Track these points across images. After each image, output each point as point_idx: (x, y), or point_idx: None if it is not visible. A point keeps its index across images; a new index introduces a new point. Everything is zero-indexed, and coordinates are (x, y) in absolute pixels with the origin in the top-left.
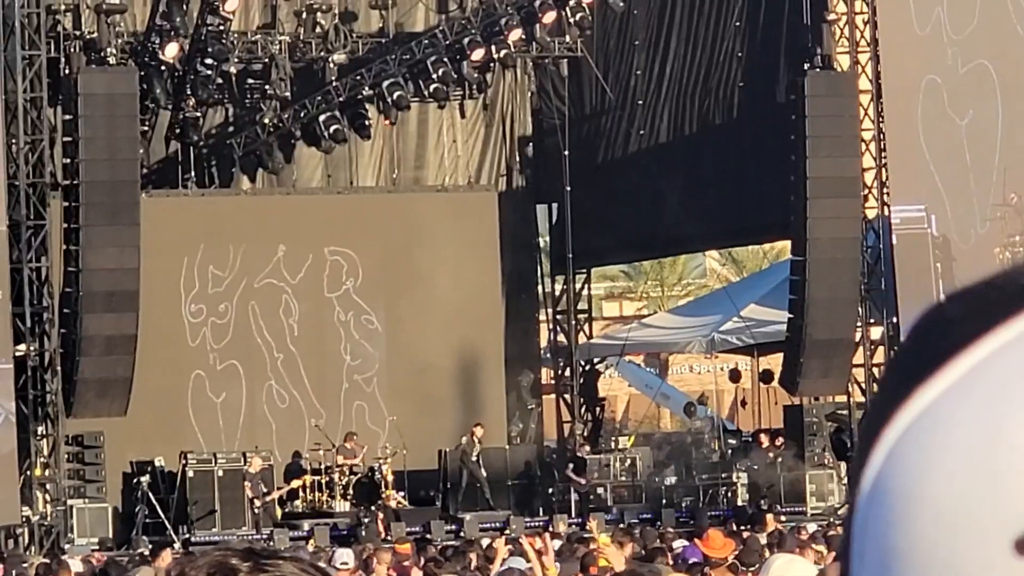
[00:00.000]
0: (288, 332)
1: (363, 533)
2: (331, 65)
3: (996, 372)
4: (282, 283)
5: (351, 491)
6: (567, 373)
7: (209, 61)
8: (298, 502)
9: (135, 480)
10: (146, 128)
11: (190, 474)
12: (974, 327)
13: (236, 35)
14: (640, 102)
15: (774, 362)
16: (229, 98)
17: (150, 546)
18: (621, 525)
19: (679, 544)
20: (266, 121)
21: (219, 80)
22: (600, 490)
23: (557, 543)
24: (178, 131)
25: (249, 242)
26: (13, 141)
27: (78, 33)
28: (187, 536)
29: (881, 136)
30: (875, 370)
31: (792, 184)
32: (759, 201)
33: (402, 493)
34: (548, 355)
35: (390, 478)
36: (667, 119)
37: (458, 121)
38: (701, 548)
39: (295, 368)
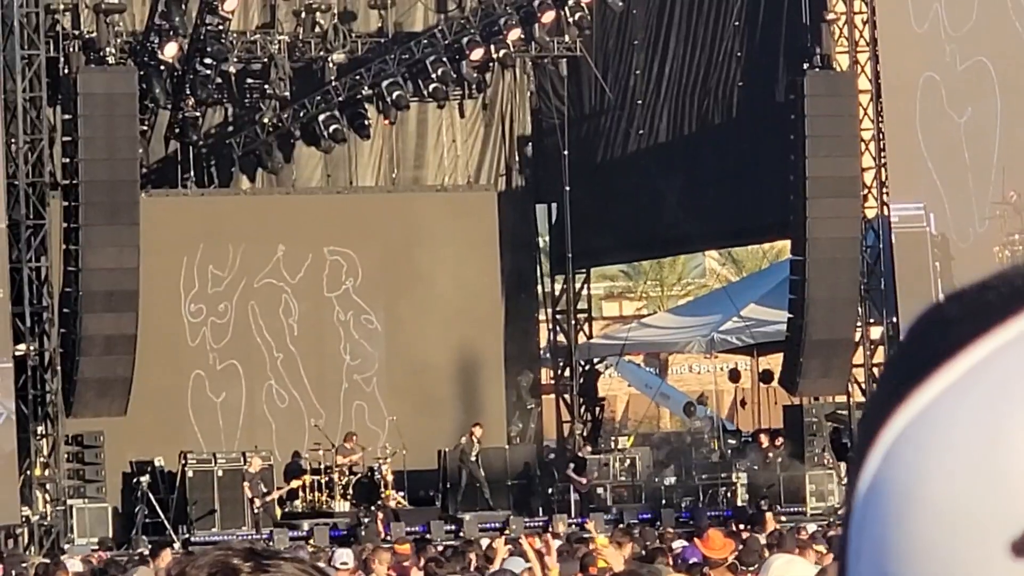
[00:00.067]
0: (288, 332)
1: (363, 533)
2: (330, 65)
3: (995, 372)
4: (282, 283)
5: (351, 491)
6: (567, 373)
7: (208, 61)
8: (298, 502)
9: (135, 480)
10: (145, 128)
11: (190, 474)
12: (973, 327)
13: (235, 35)
14: (639, 102)
15: (774, 362)
16: (228, 98)
17: (150, 546)
18: (621, 525)
19: (679, 544)
20: (265, 121)
21: (218, 80)
22: (600, 490)
23: (557, 543)
24: (177, 131)
25: (249, 242)
26: (12, 141)
27: (77, 33)
28: (187, 536)
29: (880, 136)
30: (875, 370)
31: (791, 184)
32: (759, 201)
33: (402, 493)
34: (548, 355)
35: (390, 478)
36: (666, 119)
37: (457, 121)
38: (701, 548)
39: (295, 368)
